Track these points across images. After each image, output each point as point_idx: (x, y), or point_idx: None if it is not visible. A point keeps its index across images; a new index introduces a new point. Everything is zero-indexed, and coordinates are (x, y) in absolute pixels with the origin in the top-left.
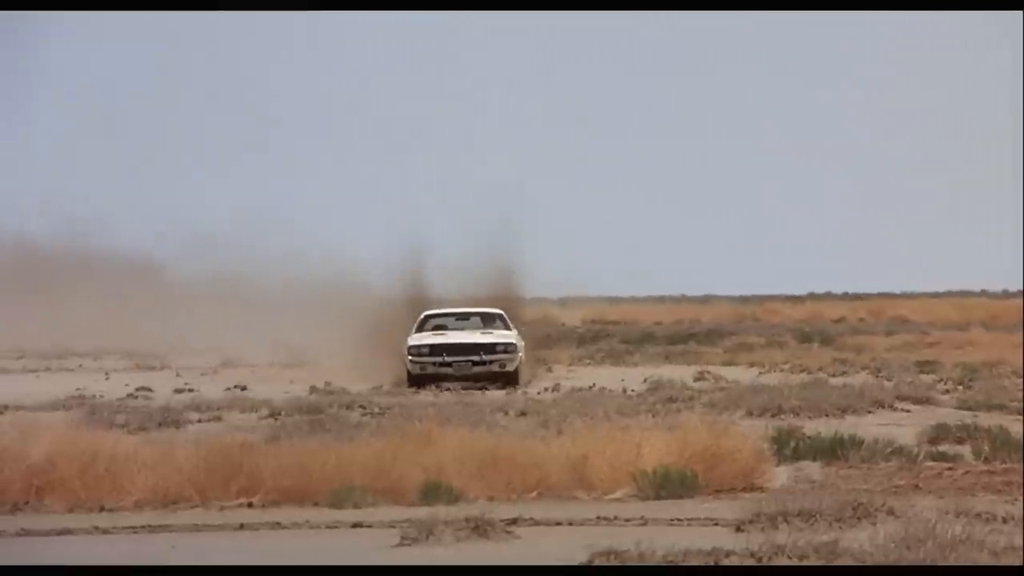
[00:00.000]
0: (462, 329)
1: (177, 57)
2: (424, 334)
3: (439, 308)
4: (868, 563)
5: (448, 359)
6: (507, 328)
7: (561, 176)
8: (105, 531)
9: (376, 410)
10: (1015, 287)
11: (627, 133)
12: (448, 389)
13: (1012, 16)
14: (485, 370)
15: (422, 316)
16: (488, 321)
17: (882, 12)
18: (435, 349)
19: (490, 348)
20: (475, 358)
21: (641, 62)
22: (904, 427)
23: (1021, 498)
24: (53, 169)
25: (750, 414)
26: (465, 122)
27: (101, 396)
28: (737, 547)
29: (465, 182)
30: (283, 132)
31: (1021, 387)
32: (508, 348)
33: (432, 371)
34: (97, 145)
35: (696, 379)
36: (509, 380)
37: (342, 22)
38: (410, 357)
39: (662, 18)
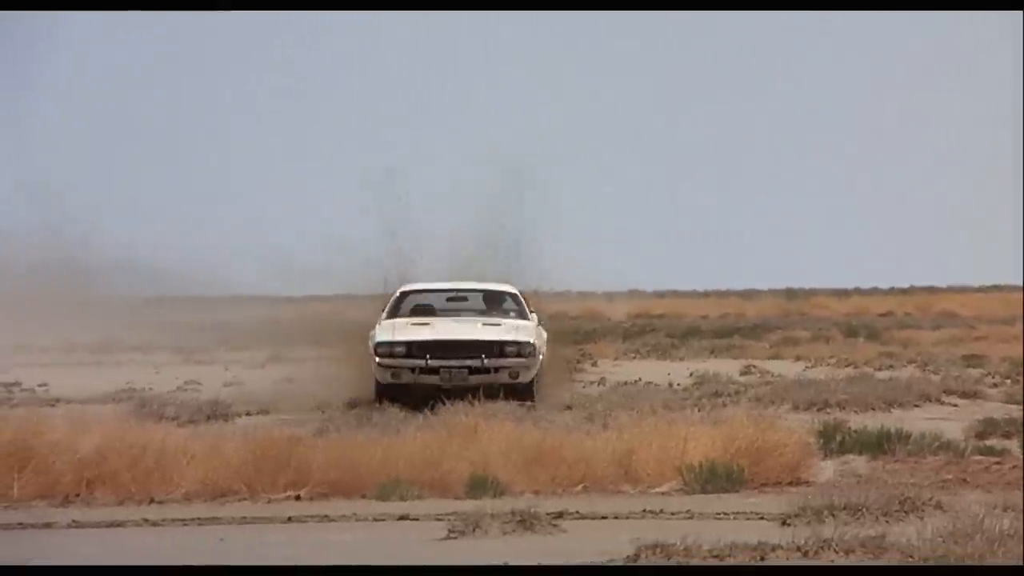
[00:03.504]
0: (456, 316)
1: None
2: (400, 322)
3: (424, 283)
4: (915, 557)
5: (433, 363)
6: (522, 316)
7: (605, 171)
8: (155, 524)
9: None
10: None
11: (672, 129)
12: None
13: (1012, 16)
14: (488, 380)
15: (398, 293)
16: (494, 303)
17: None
18: (415, 348)
19: (497, 348)
20: (473, 363)
21: (678, 55)
22: (951, 421)
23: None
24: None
25: (796, 408)
26: (498, 112)
27: (150, 389)
28: (783, 541)
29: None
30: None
31: None
32: (523, 350)
33: (409, 379)
34: (124, 142)
35: (742, 373)
36: (522, 395)
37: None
38: (377, 359)
39: (710, 12)
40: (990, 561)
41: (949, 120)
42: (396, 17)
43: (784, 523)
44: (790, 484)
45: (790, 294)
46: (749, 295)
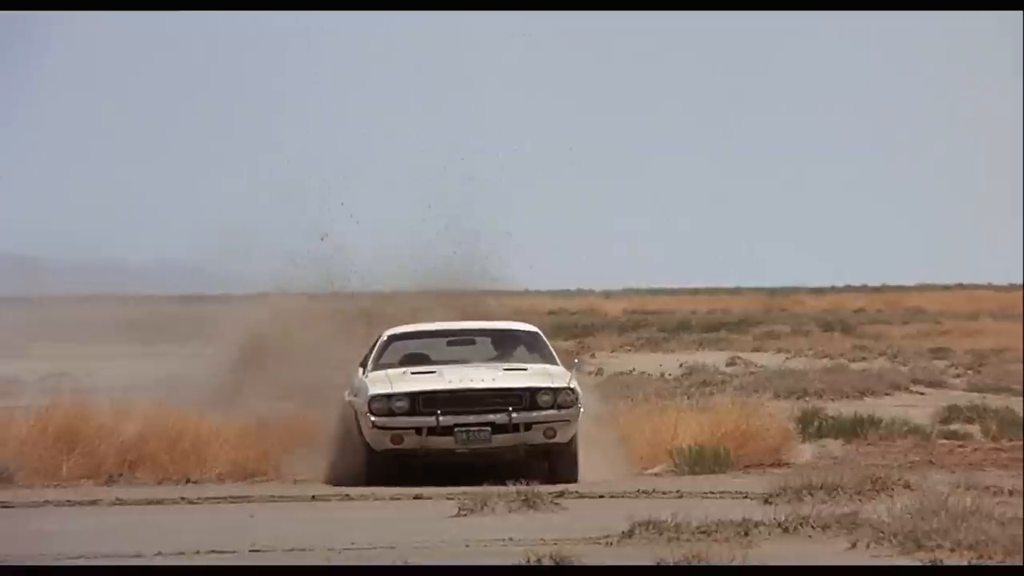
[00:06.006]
0: (465, 363)
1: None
2: (394, 372)
3: (414, 325)
4: (885, 532)
5: (445, 420)
6: (549, 360)
7: (607, 175)
8: (191, 502)
9: None
10: (1019, 280)
11: (665, 139)
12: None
13: (1012, 16)
14: (516, 440)
15: (384, 337)
16: (507, 346)
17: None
18: (419, 401)
19: (528, 398)
20: (497, 418)
21: (667, 58)
22: (919, 408)
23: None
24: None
25: (777, 396)
26: (483, 117)
27: (188, 378)
28: (765, 518)
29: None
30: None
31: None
32: (562, 399)
33: (414, 444)
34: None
35: (728, 364)
36: (560, 462)
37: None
38: (373, 417)
39: (691, 14)
40: (968, 546)
41: (926, 127)
42: (394, 17)
43: (766, 501)
44: (772, 465)
45: (772, 292)
46: (735, 293)
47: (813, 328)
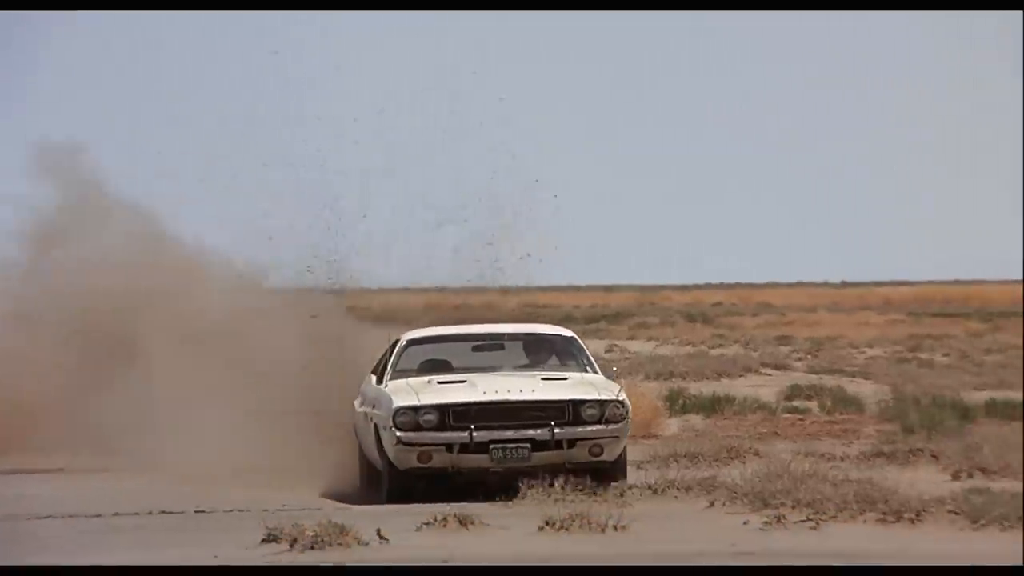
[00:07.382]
0: (495, 371)
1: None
2: (417, 381)
3: (432, 328)
4: (738, 493)
5: (480, 436)
6: (587, 367)
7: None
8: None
9: None
10: (852, 279)
11: (548, 139)
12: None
13: (1012, 16)
14: (558, 459)
15: (403, 341)
16: (538, 352)
17: (878, 12)
18: (449, 415)
19: (572, 413)
20: (537, 434)
21: (589, 61)
22: (766, 388)
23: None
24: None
25: (648, 378)
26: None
27: None
28: (638, 482)
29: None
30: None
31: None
32: (610, 412)
33: (444, 462)
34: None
35: (607, 351)
36: (606, 478)
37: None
38: (398, 432)
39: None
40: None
41: (791, 124)
42: (391, 16)
43: (639, 467)
44: (644, 437)
45: (643, 289)
46: (611, 289)
47: (678, 319)
